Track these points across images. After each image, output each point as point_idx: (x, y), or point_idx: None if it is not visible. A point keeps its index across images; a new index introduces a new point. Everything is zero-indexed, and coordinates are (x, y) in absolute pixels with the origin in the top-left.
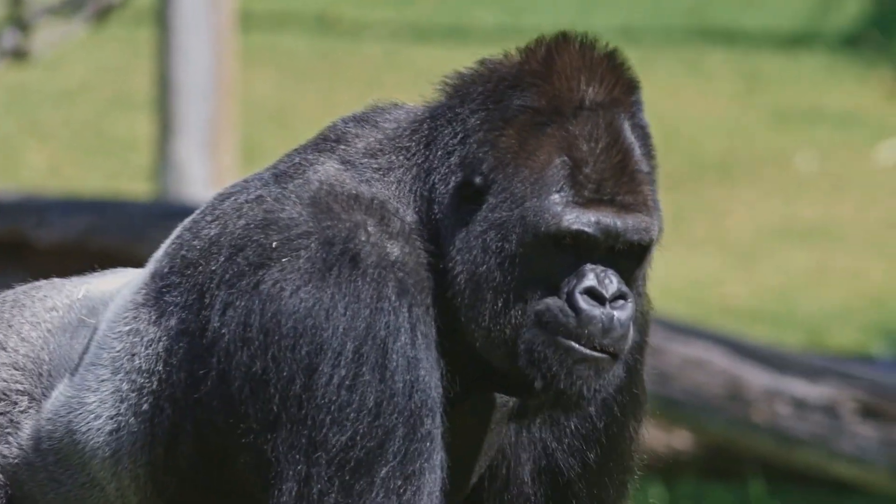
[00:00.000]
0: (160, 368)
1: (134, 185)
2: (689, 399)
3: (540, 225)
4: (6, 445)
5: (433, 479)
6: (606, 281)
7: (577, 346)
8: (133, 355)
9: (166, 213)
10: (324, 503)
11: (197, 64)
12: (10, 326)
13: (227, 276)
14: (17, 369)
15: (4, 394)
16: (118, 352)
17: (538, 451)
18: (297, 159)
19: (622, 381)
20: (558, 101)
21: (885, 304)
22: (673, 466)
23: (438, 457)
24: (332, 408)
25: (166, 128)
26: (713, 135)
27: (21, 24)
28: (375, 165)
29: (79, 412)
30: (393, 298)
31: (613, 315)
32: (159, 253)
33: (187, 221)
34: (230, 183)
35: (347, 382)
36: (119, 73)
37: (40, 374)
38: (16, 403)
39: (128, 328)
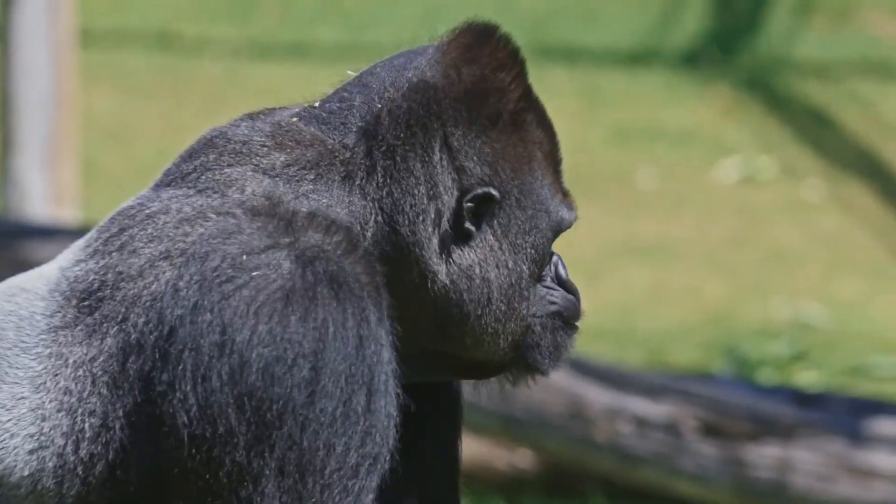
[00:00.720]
0: (93, 389)
1: None
2: (530, 418)
3: (556, 220)
4: None
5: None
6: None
7: (577, 325)
8: (56, 375)
9: (6, 231)
10: None
11: (36, 80)
12: None
13: (183, 293)
14: None
15: None
16: (38, 372)
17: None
18: (214, 174)
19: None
20: (516, 98)
21: (725, 322)
22: (515, 485)
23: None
24: (327, 432)
25: (5, 144)
26: None
27: None
28: (310, 178)
29: None
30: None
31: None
32: (59, 275)
33: (97, 242)
34: (129, 199)
35: (340, 412)
36: None
37: None
38: None
39: (48, 351)
